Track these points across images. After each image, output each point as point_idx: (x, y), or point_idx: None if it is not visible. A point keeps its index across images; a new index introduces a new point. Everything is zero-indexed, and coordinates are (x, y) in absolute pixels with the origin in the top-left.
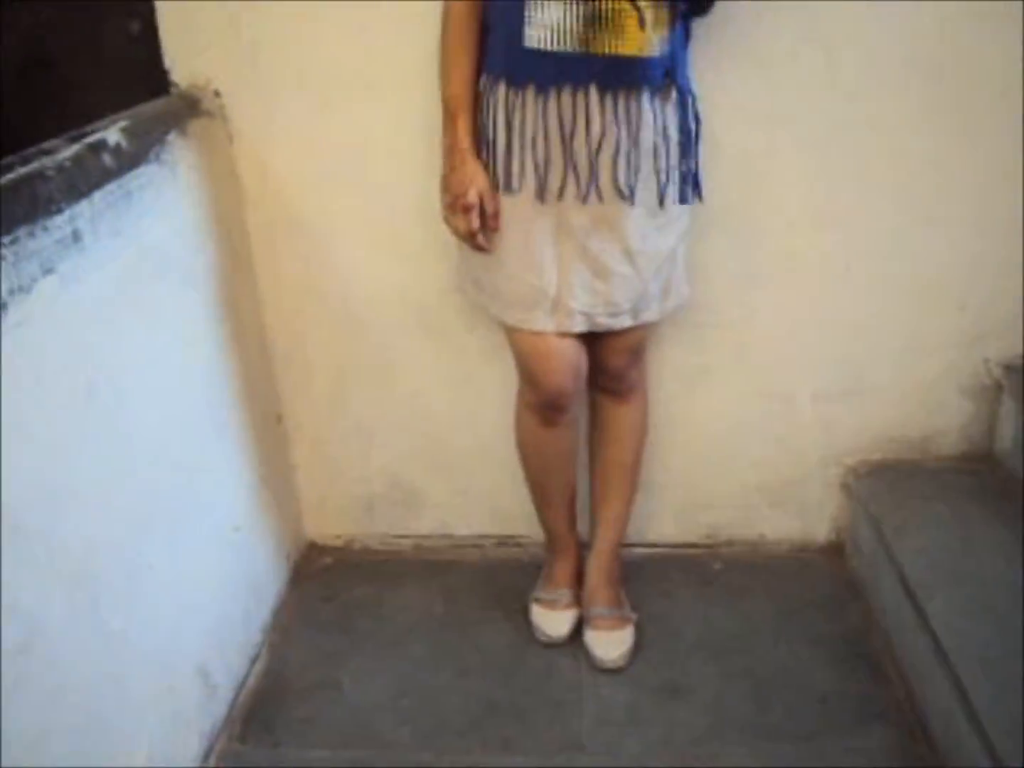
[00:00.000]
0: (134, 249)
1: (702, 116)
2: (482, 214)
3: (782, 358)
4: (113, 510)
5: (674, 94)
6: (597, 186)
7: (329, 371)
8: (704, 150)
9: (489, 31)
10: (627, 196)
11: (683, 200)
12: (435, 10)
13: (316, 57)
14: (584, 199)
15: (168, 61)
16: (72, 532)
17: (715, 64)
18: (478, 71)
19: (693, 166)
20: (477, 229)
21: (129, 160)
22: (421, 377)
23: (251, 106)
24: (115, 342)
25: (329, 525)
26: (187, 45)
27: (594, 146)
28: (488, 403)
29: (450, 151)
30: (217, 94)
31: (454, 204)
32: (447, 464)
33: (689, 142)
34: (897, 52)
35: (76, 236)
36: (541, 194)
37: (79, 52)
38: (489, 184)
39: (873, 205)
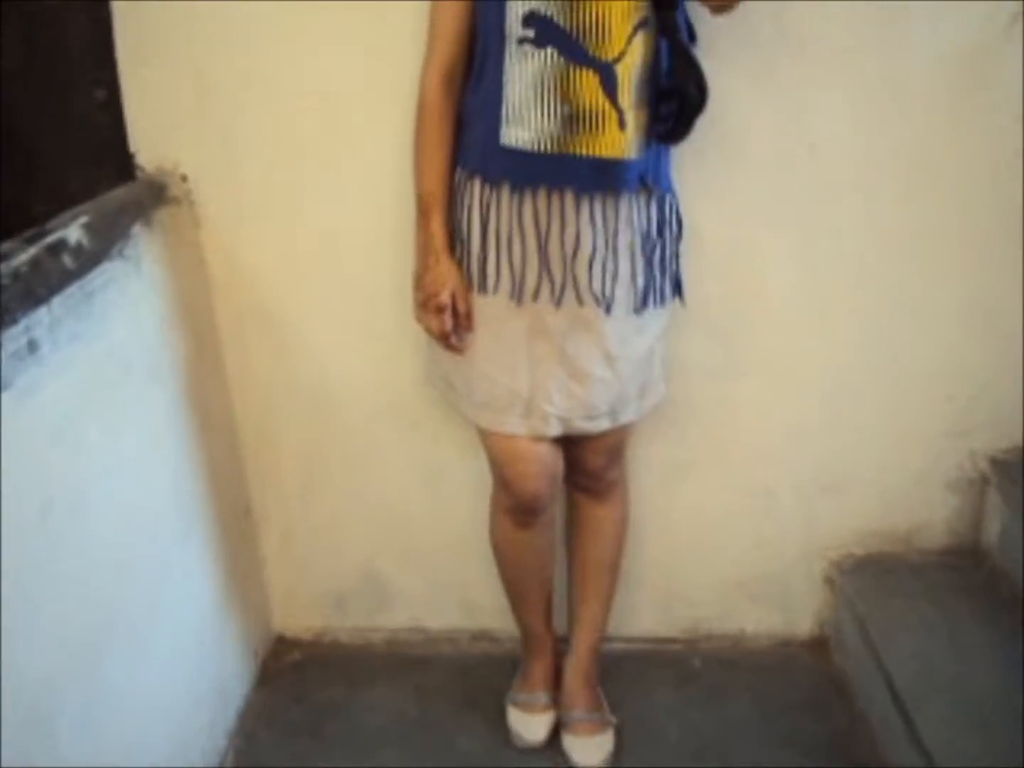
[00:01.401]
0: (96, 352)
1: (683, 213)
2: (455, 314)
3: (763, 452)
4: (71, 636)
5: (654, 196)
6: (575, 290)
7: (299, 462)
8: (686, 244)
9: (465, 126)
10: (603, 301)
11: (662, 302)
12: (411, 99)
13: (288, 142)
14: (558, 303)
15: (133, 144)
16: (27, 666)
17: (699, 158)
18: (453, 166)
19: (674, 267)
20: (450, 330)
21: (91, 259)
22: (394, 469)
23: (219, 191)
24: (74, 454)
25: (299, 619)
26: (154, 128)
27: (569, 250)
28: (462, 495)
29: (423, 249)
30: (184, 179)
31: (426, 303)
32: (420, 557)
33: (669, 244)
34: (883, 146)
35: (32, 347)
36: (516, 295)
37: (46, 127)
38: (463, 284)
39: (858, 298)
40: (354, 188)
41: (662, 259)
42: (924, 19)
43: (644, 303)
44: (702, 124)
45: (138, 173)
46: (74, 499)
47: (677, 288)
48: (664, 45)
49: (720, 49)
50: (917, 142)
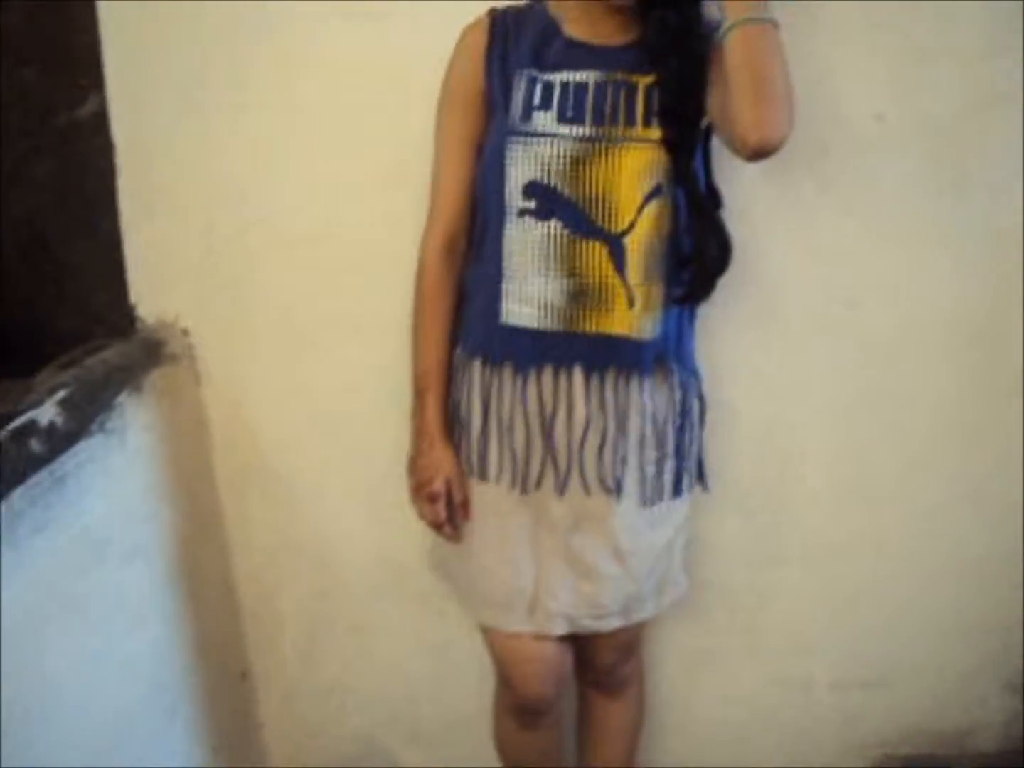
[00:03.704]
0: (64, 541)
1: (712, 386)
2: (450, 503)
3: (798, 642)
4: None
5: (673, 379)
6: (582, 479)
7: (301, 626)
8: (716, 421)
9: (465, 299)
10: (613, 491)
11: (678, 492)
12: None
13: (295, 298)
14: (562, 492)
15: (134, 296)
16: None
17: (730, 326)
18: (452, 342)
19: (695, 452)
20: (444, 520)
21: (65, 440)
22: (398, 640)
23: (223, 347)
24: (39, 656)
25: None
26: (155, 280)
27: (577, 435)
28: (469, 672)
29: (418, 433)
30: (185, 332)
31: (419, 490)
32: (425, 732)
33: (688, 427)
34: (931, 313)
35: None
36: (518, 484)
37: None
38: (459, 471)
39: (906, 478)
40: (361, 347)
41: (679, 445)
42: (983, 192)
43: (658, 495)
44: (733, 287)
45: (138, 325)
46: (41, 702)
47: (699, 474)
48: (681, 199)
49: (757, 210)
50: (972, 310)
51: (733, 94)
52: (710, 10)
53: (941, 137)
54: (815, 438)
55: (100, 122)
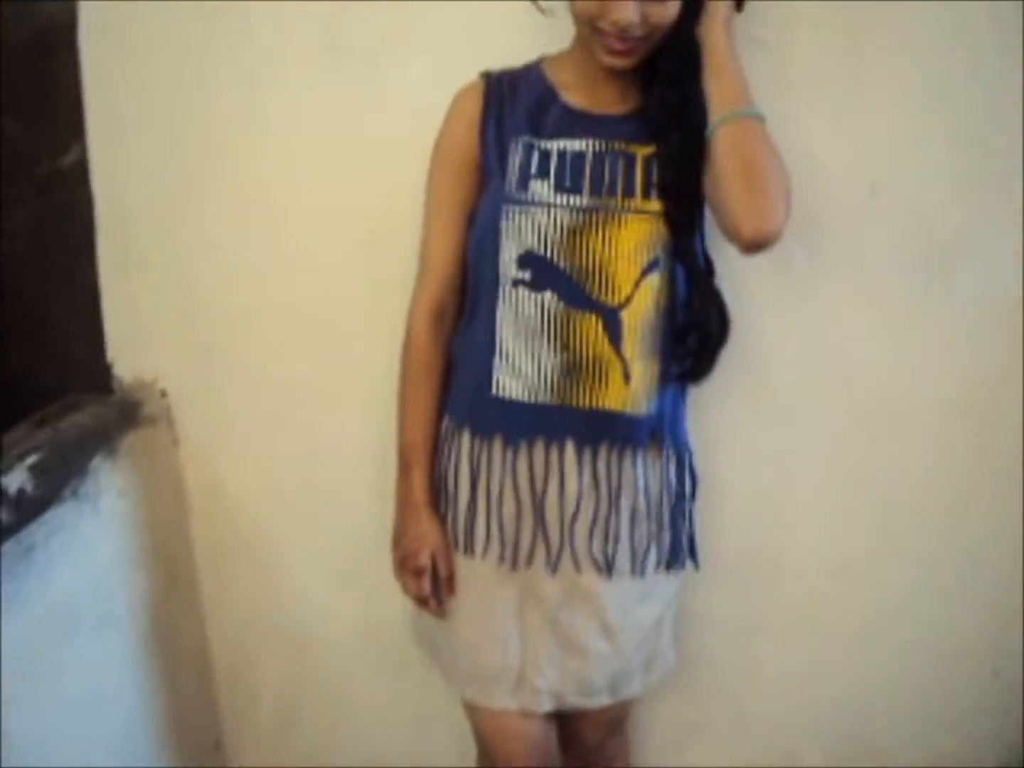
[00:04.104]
0: (32, 614)
1: (702, 459)
2: (435, 577)
3: (787, 716)
4: None
5: (666, 453)
6: (573, 554)
7: (277, 698)
8: (704, 493)
9: (453, 369)
10: (604, 569)
11: (670, 568)
12: (403, 322)
13: (276, 361)
14: (554, 569)
15: (111, 354)
16: None
17: (720, 397)
18: (439, 413)
19: (687, 528)
20: (429, 594)
21: (35, 507)
22: (378, 713)
23: (201, 409)
24: (5, 731)
25: None
26: (133, 339)
27: (569, 511)
28: (450, 748)
29: (403, 506)
30: (164, 393)
31: (404, 564)
32: None
33: (681, 503)
34: (920, 389)
35: None
36: (508, 559)
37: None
38: (445, 544)
39: (896, 557)
40: (343, 412)
41: (673, 521)
42: (973, 269)
43: (650, 572)
44: (723, 358)
45: (115, 385)
46: None
47: (691, 551)
48: (680, 274)
49: (746, 277)
50: (962, 388)
51: (724, 187)
52: None
53: (932, 212)
54: (803, 511)
55: (82, 172)
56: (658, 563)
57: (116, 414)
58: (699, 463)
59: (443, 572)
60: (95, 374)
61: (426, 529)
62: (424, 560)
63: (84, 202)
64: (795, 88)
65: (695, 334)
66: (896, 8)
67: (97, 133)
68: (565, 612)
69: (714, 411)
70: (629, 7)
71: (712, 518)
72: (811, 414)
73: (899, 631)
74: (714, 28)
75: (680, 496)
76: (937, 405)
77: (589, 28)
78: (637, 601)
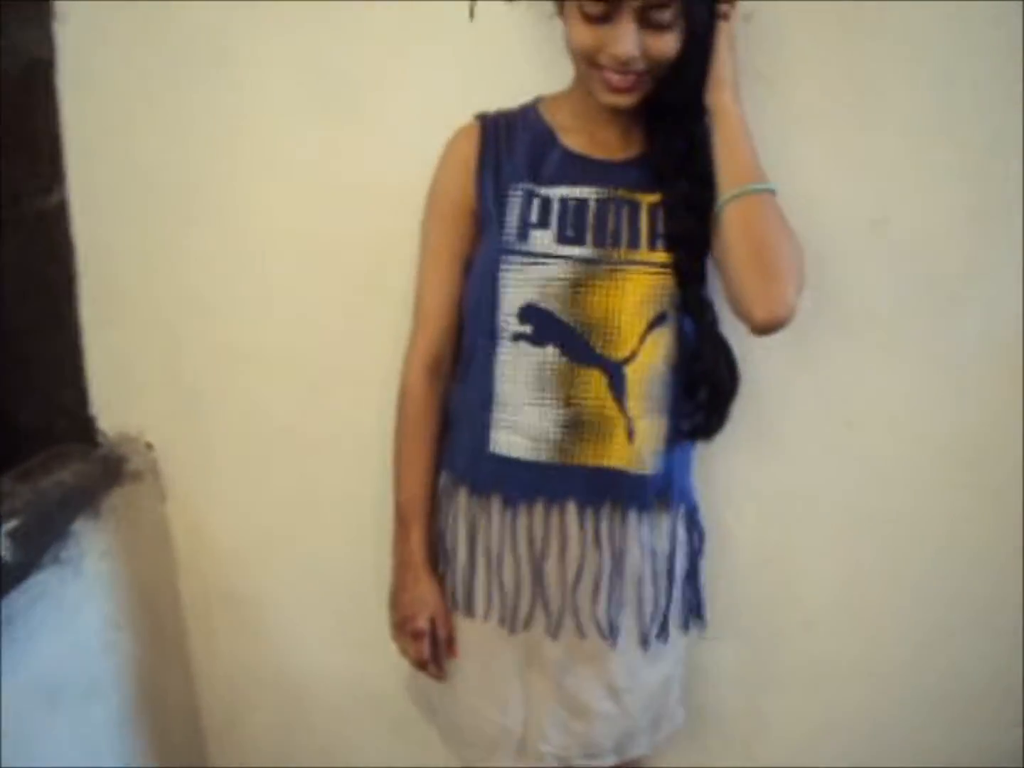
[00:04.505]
0: (14, 686)
1: (710, 511)
2: (435, 641)
3: None
4: None
5: (673, 513)
6: (575, 619)
7: (269, 757)
8: (713, 545)
9: (451, 423)
10: (608, 635)
11: (678, 628)
12: (398, 369)
13: (265, 413)
14: (555, 635)
15: (95, 407)
16: None
17: (726, 448)
18: (437, 467)
19: (694, 587)
20: (428, 658)
21: (15, 575)
22: None
23: (188, 461)
24: None
25: None
26: (117, 391)
27: (571, 576)
28: None
29: (401, 565)
30: (149, 447)
31: (403, 626)
32: None
33: (688, 561)
34: (930, 434)
35: None
36: (507, 622)
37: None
38: (444, 607)
39: (906, 604)
40: (335, 465)
41: (680, 581)
42: (980, 309)
43: (657, 633)
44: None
45: (99, 439)
46: None
47: (699, 610)
48: (688, 326)
49: None
50: (969, 428)
51: (735, 268)
52: None
53: (939, 249)
54: (812, 561)
55: (64, 215)
56: (664, 627)
57: (100, 471)
58: (705, 517)
59: (442, 635)
60: (80, 421)
61: (424, 591)
62: (422, 624)
63: (66, 246)
64: (795, 124)
65: (705, 387)
66: (895, 42)
67: (78, 176)
68: (570, 675)
69: (720, 462)
70: (628, 40)
71: (718, 570)
72: (818, 461)
73: (910, 685)
74: (723, 93)
75: (687, 554)
76: (947, 449)
77: (587, 63)
78: (644, 662)
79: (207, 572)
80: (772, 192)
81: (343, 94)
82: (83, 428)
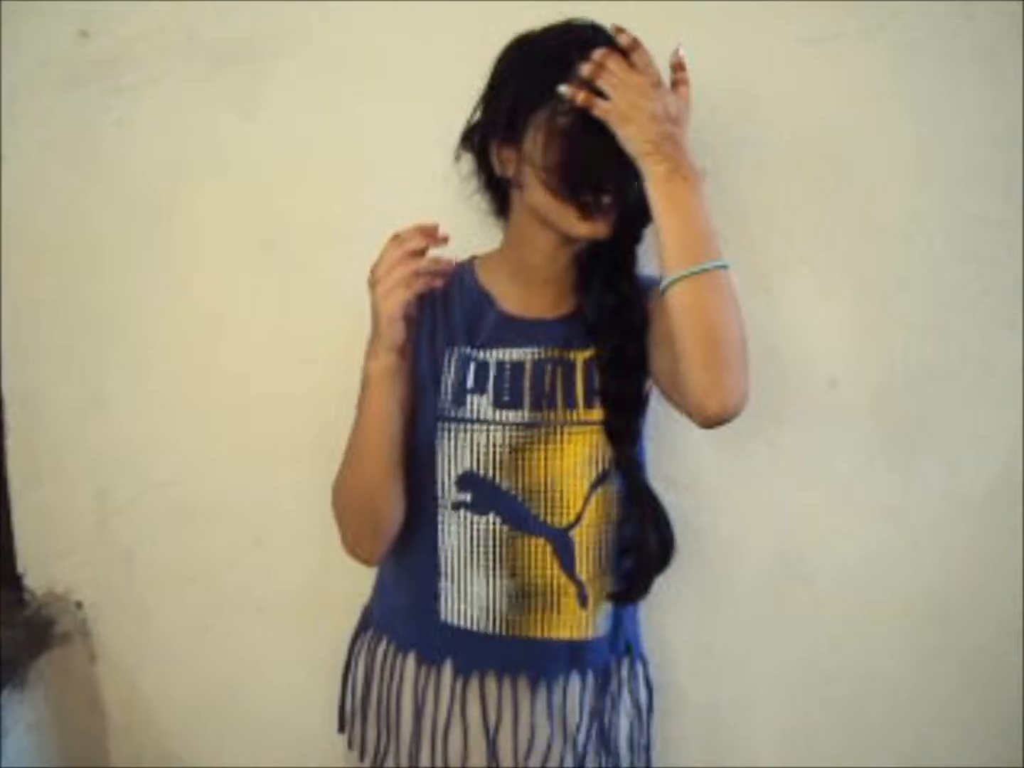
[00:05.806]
0: None
1: (657, 668)
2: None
3: None
4: None
5: (621, 670)
6: None
7: None
8: (663, 703)
9: (389, 590)
10: None
11: None
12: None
13: (196, 572)
14: None
15: (22, 566)
16: None
17: (676, 603)
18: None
19: (644, 743)
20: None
21: None
22: None
23: (120, 621)
24: None
25: None
26: (45, 549)
27: (523, 745)
28: None
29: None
30: (79, 606)
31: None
32: None
33: (638, 721)
34: (887, 590)
35: None
36: None
37: None
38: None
39: (860, 763)
40: (266, 626)
41: (631, 742)
42: (937, 465)
43: None
44: (680, 561)
45: (26, 597)
46: None
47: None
48: (622, 487)
49: (704, 473)
50: (926, 584)
51: (683, 359)
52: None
53: (894, 406)
54: (764, 718)
55: None
56: None
57: (25, 636)
58: (655, 672)
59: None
60: (5, 579)
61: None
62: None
63: None
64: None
65: (631, 556)
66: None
67: (9, 328)
68: None
69: (669, 614)
70: (607, 229)
71: (668, 728)
72: (773, 616)
73: None
74: (658, 178)
75: (638, 714)
76: (904, 606)
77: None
78: None
79: (139, 734)
80: (725, 267)
81: (287, 249)
82: (9, 587)
